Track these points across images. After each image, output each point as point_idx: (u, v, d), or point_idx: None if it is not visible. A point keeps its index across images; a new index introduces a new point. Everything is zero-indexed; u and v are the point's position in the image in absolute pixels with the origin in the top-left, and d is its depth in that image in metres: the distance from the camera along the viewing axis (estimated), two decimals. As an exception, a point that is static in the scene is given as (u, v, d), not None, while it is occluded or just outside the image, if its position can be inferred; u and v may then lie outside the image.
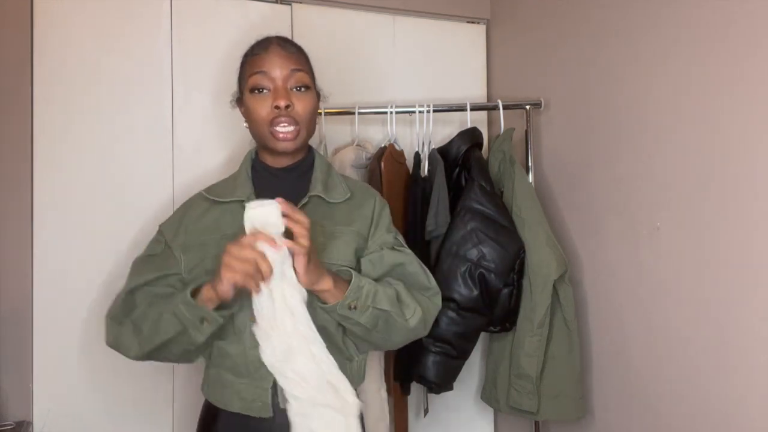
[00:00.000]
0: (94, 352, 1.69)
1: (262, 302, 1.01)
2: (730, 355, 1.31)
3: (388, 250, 1.21)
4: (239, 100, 1.24)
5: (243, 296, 1.07)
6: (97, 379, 1.69)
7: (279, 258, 0.99)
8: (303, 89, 1.16)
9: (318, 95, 1.24)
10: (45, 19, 1.66)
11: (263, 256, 0.97)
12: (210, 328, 1.06)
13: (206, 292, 1.04)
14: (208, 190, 1.26)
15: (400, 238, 1.27)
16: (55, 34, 1.67)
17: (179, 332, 1.07)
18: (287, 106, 1.13)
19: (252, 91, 1.15)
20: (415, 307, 1.16)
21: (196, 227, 1.20)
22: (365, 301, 1.08)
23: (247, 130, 1.23)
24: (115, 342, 1.16)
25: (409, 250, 1.26)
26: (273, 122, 1.13)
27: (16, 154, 1.63)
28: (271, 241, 0.98)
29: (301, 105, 1.15)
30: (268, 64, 1.14)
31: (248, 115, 1.18)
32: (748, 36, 1.26)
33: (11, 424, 1.58)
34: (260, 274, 0.97)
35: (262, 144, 1.20)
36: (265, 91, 1.14)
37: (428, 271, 1.26)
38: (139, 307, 1.15)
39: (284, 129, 1.14)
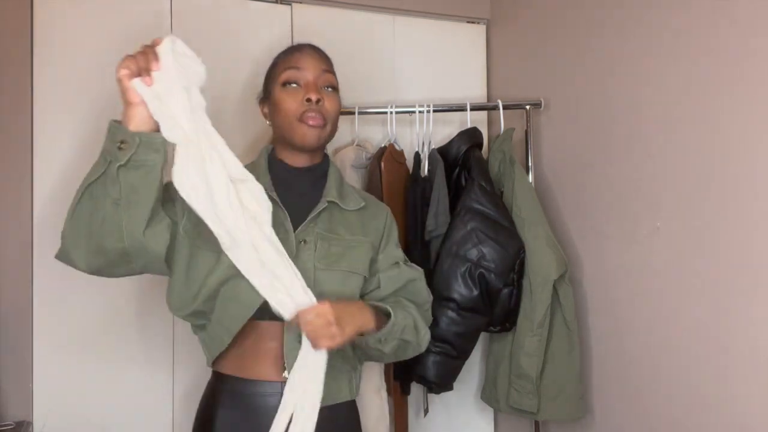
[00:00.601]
0: (94, 352, 1.69)
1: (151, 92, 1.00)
2: (730, 354, 1.31)
3: (405, 266, 1.29)
4: (263, 100, 1.28)
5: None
6: (97, 379, 1.69)
7: (168, 45, 1.02)
8: (331, 89, 1.22)
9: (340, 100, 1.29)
10: (45, 19, 1.66)
11: (152, 47, 1.01)
12: (126, 152, 0.99)
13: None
14: None
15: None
16: (55, 34, 1.67)
17: (103, 172, 1.01)
18: (318, 101, 1.17)
19: (284, 84, 1.20)
20: (425, 331, 1.25)
21: None
22: (394, 335, 1.15)
23: (269, 127, 1.27)
24: (62, 236, 1.09)
25: (416, 266, 1.34)
26: (303, 115, 1.17)
27: (16, 154, 1.63)
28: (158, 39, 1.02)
29: (329, 103, 1.20)
30: (303, 62, 1.21)
31: (276, 110, 1.21)
32: (749, 36, 1.26)
33: (11, 424, 1.57)
34: (150, 62, 0.99)
35: (287, 138, 1.22)
36: (295, 85, 1.20)
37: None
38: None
39: (314, 119, 1.18)
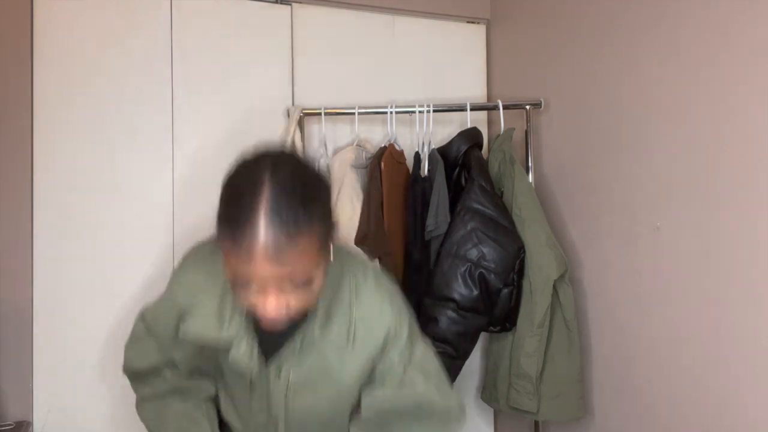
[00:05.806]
0: (94, 352, 1.69)
1: None
2: (729, 354, 1.31)
3: (402, 390, 1.02)
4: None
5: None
6: (97, 380, 1.69)
7: None
8: (305, 283, 0.84)
9: (331, 240, 0.90)
10: (45, 19, 1.66)
11: None
12: None
13: None
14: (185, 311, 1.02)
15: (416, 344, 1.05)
16: (55, 34, 1.67)
17: None
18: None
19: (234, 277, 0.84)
20: None
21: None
22: None
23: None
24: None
25: (416, 380, 1.03)
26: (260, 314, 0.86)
27: (16, 154, 1.63)
28: None
29: (299, 302, 0.85)
30: (257, 277, 0.80)
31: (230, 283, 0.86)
32: (750, 36, 1.26)
33: (11, 424, 1.57)
34: None
35: None
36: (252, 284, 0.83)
37: (445, 383, 1.06)
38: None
39: (281, 324, 0.88)
